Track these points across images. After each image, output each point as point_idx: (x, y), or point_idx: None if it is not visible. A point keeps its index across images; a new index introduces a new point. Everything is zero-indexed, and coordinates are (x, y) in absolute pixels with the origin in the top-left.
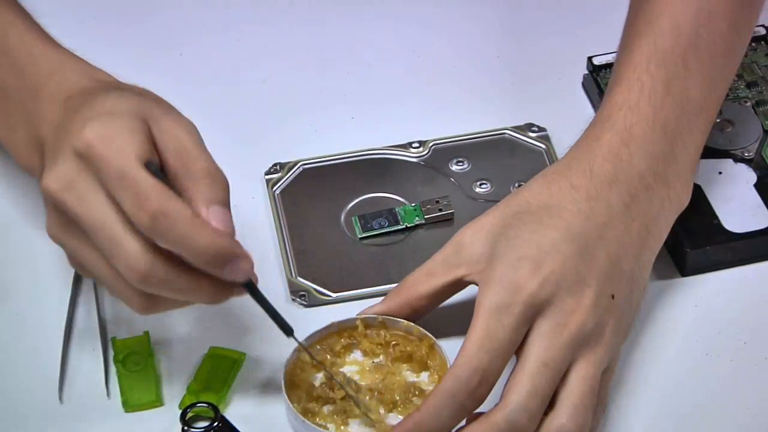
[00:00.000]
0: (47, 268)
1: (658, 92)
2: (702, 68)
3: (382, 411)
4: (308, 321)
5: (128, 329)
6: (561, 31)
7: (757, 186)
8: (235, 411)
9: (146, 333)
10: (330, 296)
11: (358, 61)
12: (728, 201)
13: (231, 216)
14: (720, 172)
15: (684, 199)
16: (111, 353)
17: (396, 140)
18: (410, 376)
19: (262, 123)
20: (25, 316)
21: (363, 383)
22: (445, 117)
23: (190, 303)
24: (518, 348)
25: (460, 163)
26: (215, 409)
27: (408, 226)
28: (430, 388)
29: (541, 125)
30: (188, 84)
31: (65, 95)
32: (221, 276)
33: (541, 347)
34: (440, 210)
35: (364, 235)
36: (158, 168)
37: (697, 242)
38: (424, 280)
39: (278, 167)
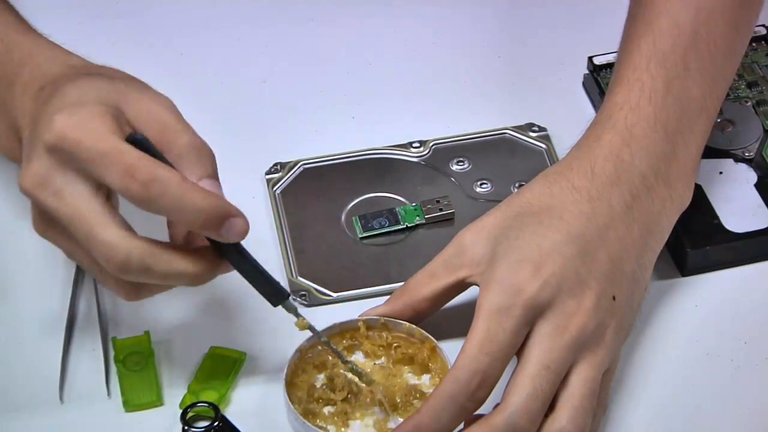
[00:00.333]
0: (47, 268)
1: (658, 92)
2: (702, 68)
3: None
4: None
5: (129, 329)
6: (561, 30)
7: (757, 186)
8: (235, 411)
9: (147, 333)
10: (330, 296)
11: (359, 60)
12: (729, 201)
13: (221, 187)
14: (721, 172)
15: (685, 199)
16: (111, 353)
17: (396, 140)
18: (411, 379)
19: (262, 122)
20: (26, 315)
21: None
22: (446, 117)
23: (174, 285)
24: (519, 350)
25: (461, 163)
26: (216, 408)
27: (408, 225)
28: (431, 390)
29: (542, 125)
30: (189, 84)
31: (38, 85)
32: (218, 237)
33: (542, 349)
34: (441, 210)
35: (365, 234)
36: (145, 139)
37: (698, 242)
38: (426, 282)
39: (279, 167)
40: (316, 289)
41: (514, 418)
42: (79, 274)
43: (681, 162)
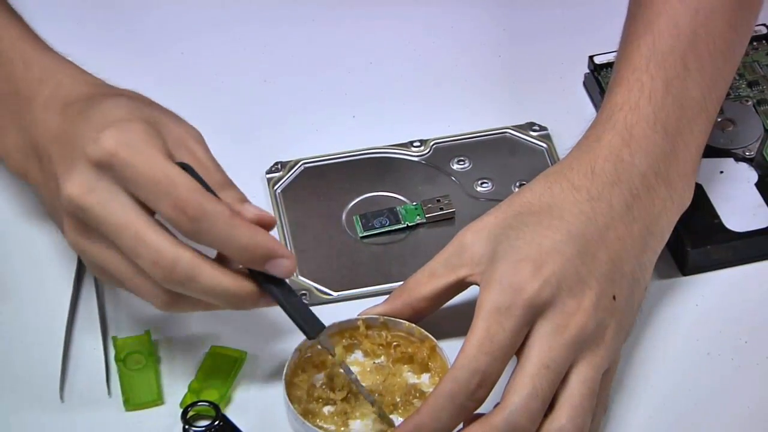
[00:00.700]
0: (48, 268)
1: (658, 92)
2: (702, 68)
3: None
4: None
5: (129, 328)
6: (562, 30)
7: (758, 185)
8: (236, 410)
9: (147, 332)
10: (331, 295)
11: (359, 59)
12: (729, 200)
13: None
14: (721, 172)
15: (686, 200)
16: (112, 352)
17: (397, 139)
18: (411, 378)
19: (263, 122)
20: (26, 315)
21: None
22: (447, 116)
23: (212, 307)
24: (519, 349)
25: (461, 162)
26: (216, 407)
27: (409, 225)
28: (431, 390)
29: (543, 124)
30: (189, 83)
31: (62, 102)
32: (264, 270)
33: (541, 349)
34: (441, 209)
35: (365, 234)
36: (190, 167)
37: (698, 241)
38: (426, 281)
39: (279, 166)
40: (316, 288)
41: (513, 417)
42: (80, 274)
43: (681, 162)
